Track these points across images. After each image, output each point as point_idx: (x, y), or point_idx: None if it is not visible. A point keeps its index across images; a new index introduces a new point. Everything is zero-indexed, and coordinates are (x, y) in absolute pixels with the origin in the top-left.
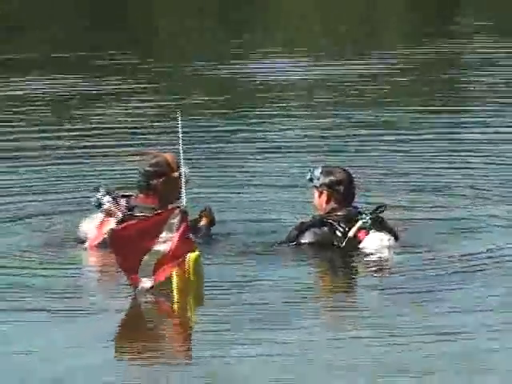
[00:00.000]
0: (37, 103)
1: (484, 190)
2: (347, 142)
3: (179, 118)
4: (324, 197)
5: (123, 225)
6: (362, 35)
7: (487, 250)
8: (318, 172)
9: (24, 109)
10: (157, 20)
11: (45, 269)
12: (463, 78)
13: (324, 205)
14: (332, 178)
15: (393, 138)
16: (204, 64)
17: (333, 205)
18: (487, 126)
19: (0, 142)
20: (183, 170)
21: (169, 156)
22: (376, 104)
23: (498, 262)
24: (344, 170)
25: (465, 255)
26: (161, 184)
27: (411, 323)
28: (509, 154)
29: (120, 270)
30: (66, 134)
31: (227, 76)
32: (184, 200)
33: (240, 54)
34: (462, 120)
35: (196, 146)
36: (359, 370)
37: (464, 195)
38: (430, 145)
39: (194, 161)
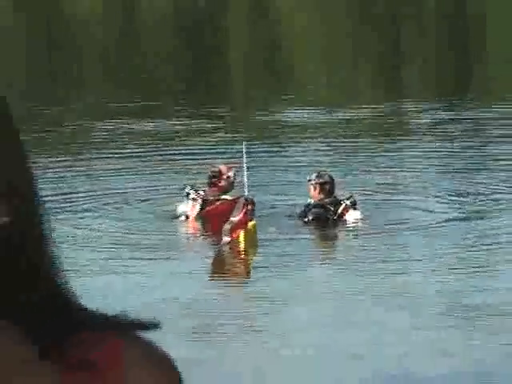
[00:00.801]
0: (151, 137)
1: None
2: (341, 156)
3: (244, 144)
4: (317, 190)
5: (211, 207)
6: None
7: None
8: (314, 175)
9: (143, 140)
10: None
11: (162, 233)
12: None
13: (316, 195)
14: (322, 180)
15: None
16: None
17: (322, 195)
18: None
19: (126, 149)
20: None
21: (222, 166)
22: (367, 134)
23: (439, 226)
24: (329, 175)
25: (409, 228)
26: (218, 182)
27: (369, 260)
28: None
29: (210, 232)
30: (163, 153)
31: (271, 116)
32: (246, 191)
33: (279, 104)
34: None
35: (252, 157)
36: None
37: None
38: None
39: (252, 163)
